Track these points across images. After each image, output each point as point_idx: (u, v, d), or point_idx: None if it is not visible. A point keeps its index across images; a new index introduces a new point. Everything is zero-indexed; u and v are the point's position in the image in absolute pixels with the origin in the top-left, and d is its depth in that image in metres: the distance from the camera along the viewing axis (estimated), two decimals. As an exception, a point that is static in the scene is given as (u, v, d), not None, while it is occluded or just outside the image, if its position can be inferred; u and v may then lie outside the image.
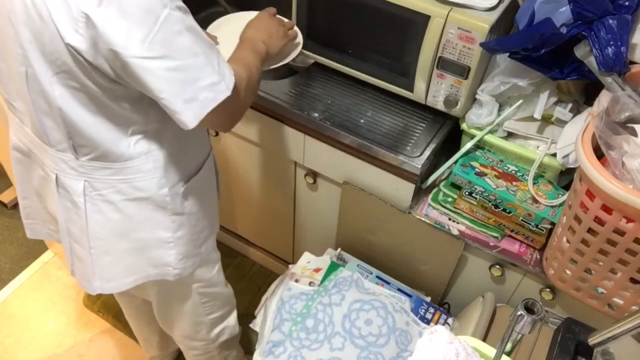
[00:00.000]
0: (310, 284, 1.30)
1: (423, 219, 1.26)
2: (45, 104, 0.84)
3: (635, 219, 0.89)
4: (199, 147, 1.06)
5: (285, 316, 1.22)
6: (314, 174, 1.43)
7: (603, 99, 1.01)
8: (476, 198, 1.19)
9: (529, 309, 0.82)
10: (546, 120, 1.20)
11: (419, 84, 1.21)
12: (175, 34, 0.76)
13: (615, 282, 1.02)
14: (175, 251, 1.05)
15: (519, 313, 0.81)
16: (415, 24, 1.12)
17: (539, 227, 1.16)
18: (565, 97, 1.17)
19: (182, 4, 0.78)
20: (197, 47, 0.79)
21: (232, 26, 1.16)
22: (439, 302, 1.42)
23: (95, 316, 1.88)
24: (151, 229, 1.01)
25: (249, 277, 1.98)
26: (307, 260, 1.37)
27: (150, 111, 0.88)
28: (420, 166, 1.19)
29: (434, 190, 1.29)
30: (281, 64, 1.18)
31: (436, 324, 1.27)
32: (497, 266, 1.23)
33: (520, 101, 1.17)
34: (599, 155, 0.92)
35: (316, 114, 1.28)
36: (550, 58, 1.05)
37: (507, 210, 1.17)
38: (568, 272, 1.07)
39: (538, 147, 1.20)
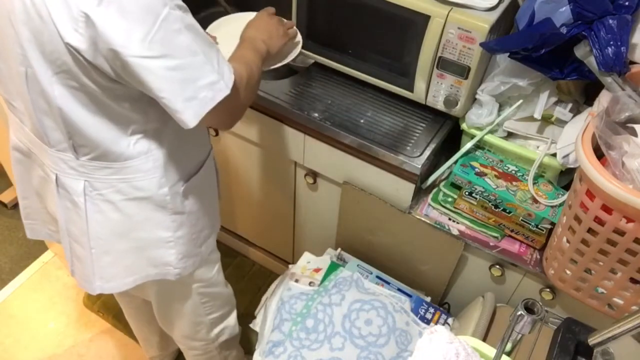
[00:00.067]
0: (310, 284, 1.30)
1: (423, 219, 1.26)
2: (45, 103, 0.84)
3: (635, 219, 0.89)
4: (199, 147, 1.06)
5: (285, 316, 1.22)
6: (314, 174, 1.43)
7: (603, 99, 1.01)
8: (476, 198, 1.19)
9: (529, 309, 0.82)
10: (546, 120, 1.20)
11: (419, 84, 1.21)
12: (175, 33, 0.76)
13: (615, 282, 1.02)
14: (176, 251, 1.05)
15: (519, 313, 0.81)
16: (415, 24, 1.12)
17: (539, 227, 1.16)
18: (565, 97, 1.17)
19: (181, 3, 0.78)
20: (196, 45, 0.79)
21: (231, 27, 1.16)
22: (439, 302, 1.42)
23: (95, 316, 1.88)
24: (151, 229, 1.01)
25: (249, 277, 1.98)
26: (307, 260, 1.37)
27: (150, 110, 0.88)
28: (420, 166, 1.19)
29: (434, 190, 1.29)
30: (281, 64, 1.18)
31: (436, 324, 1.27)
32: (497, 266, 1.23)
33: (520, 101, 1.17)
34: (599, 155, 0.92)
35: (316, 114, 1.28)
36: (550, 58, 1.05)
37: (507, 210, 1.17)
38: (568, 272, 1.07)
39: (538, 147, 1.20)
